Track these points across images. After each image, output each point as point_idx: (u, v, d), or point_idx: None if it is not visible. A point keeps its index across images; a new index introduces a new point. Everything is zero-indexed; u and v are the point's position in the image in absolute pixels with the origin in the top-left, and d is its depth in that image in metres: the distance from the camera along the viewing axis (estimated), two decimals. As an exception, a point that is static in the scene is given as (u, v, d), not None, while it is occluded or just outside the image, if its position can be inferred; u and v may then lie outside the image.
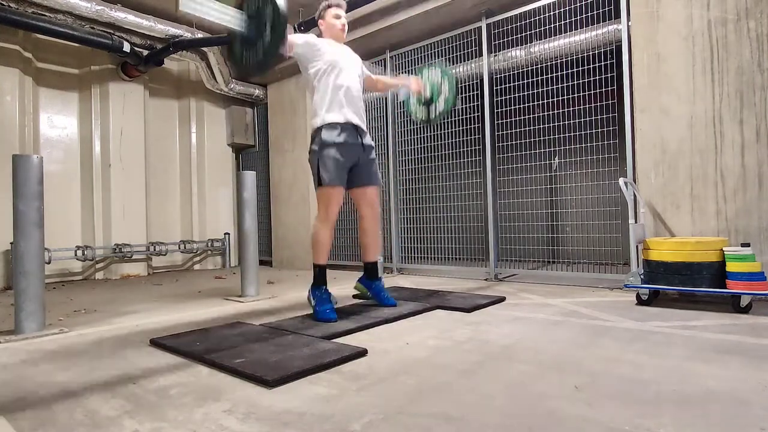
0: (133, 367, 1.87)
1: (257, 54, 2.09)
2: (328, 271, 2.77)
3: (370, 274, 2.96)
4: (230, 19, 2.12)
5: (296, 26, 4.70)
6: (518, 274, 4.29)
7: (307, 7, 4.81)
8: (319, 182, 2.64)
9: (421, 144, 4.79)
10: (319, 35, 2.90)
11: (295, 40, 2.68)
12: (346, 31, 2.92)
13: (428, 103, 3.07)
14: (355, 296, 3.22)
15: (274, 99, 6.26)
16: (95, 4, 4.35)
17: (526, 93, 4.00)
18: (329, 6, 2.87)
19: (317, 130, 2.67)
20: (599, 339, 2.10)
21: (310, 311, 2.67)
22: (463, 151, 4.48)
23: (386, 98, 5.02)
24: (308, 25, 4.63)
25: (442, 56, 4.56)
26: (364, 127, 2.79)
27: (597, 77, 3.59)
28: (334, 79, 2.69)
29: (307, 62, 2.72)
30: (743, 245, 2.60)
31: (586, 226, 3.90)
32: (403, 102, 3.19)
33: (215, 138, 6.37)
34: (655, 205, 3.22)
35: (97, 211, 5.26)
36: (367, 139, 2.81)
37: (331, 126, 2.64)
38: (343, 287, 3.64)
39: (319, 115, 2.68)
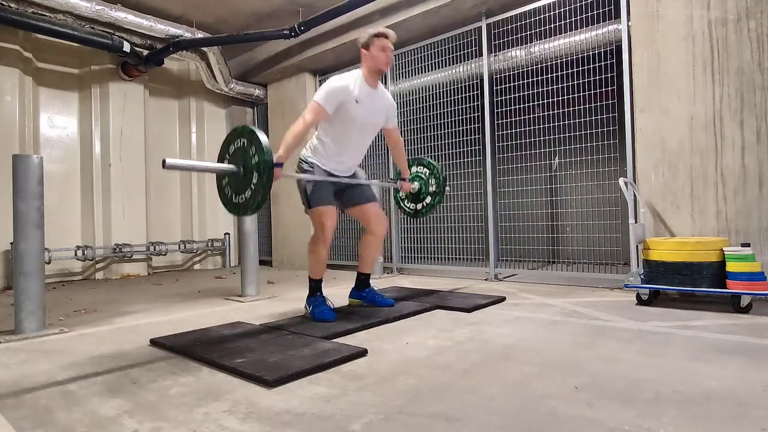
0: (133, 367, 1.87)
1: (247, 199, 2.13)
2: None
3: (360, 284, 2.95)
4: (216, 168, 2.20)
5: (297, 26, 4.67)
6: (518, 274, 4.28)
7: (307, 7, 4.80)
8: (308, 205, 2.62)
9: (421, 144, 4.78)
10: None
11: (323, 104, 2.47)
12: (390, 65, 2.74)
13: (416, 198, 3.30)
14: None
15: (274, 99, 6.26)
16: (95, 4, 4.35)
17: (526, 93, 4.00)
18: (378, 35, 2.62)
19: (307, 162, 2.65)
20: (599, 339, 2.10)
21: (310, 311, 2.68)
22: (463, 151, 4.48)
23: (386, 98, 5.02)
24: (308, 25, 4.61)
25: (442, 56, 4.56)
26: (355, 169, 2.80)
27: (597, 77, 3.59)
28: (351, 132, 2.61)
29: (336, 106, 2.54)
30: (743, 245, 2.60)
31: (586, 226, 3.89)
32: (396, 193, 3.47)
33: (215, 138, 6.36)
34: (655, 205, 3.22)
35: (97, 211, 5.26)
36: (356, 172, 2.81)
37: (321, 170, 2.63)
38: (342, 287, 3.64)
39: (315, 155, 2.64)
